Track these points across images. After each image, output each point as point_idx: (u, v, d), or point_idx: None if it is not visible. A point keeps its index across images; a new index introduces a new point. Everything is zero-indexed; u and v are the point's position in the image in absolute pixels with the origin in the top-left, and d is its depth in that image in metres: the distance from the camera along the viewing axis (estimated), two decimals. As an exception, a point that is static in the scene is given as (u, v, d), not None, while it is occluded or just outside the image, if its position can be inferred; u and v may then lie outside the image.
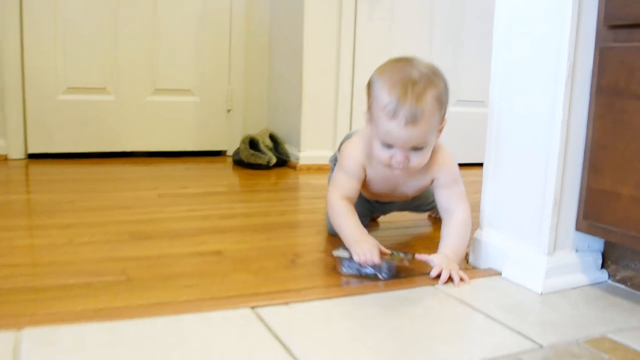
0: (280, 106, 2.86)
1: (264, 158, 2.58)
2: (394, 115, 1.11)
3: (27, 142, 2.58)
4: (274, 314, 0.98)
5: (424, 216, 1.74)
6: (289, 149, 2.70)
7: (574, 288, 1.17)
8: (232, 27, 2.86)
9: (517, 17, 1.19)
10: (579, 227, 1.17)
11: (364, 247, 1.16)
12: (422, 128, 1.12)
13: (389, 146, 1.16)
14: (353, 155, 1.29)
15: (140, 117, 2.76)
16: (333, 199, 1.28)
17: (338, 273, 1.20)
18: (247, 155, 2.60)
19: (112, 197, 1.90)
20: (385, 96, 1.13)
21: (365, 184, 1.33)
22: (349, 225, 1.24)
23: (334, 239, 1.45)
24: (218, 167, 2.62)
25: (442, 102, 1.16)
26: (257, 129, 2.89)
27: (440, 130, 1.21)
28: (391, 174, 1.24)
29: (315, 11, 2.55)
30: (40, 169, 2.35)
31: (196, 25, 2.79)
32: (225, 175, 2.44)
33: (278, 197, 2.08)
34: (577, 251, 1.19)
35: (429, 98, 1.12)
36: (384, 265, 1.16)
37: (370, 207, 1.51)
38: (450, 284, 1.16)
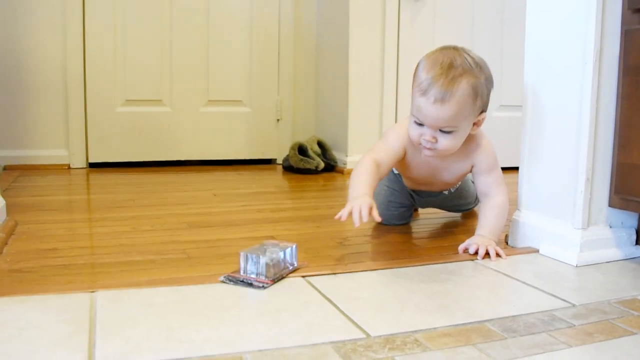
0: (327, 114, 2.96)
1: (312, 163, 2.68)
2: (425, 91, 1.16)
3: (88, 152, 2.74)
4: (323, 281, 1.07)
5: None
6: (336, 154, 2.80)
7: (608, 262, 1.22)
8: (280, 40, 2.99)
9: (547, 3, 1.26)
10: (611, 203, 1.22)
11: (355, 202, 1.14)
12: (450, 110, 1.16)
13: (419, 124, 1.21)
14: (398, 131, 1.33)
15: (194, 127, 2.90)
16: (363, 158, 1.29)
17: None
18: (297, 160, 2.71)
19: (169, 196, 2.03)
20: (423, 74, 1.18)
21: (407, 167, 1.38)
22: (359, 181, 1.22)
23: (383, 225, 1.54)
24: (268, 173, 2.74)
25: (477, 93, 1.19)
26: (305, 137, 2.99)
27: (477, 124, 1.25)
28: (424, 157, 1.28)
29: (359, 20, 2.66)
30: (101, 176, 2.51)
31: (246, 39, 2.93)
32: (275, 179, 2.55)
33: (326, 195, 2.18)
34: (611, 227, 1.25)
35: (463, 84, 1.16)
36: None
37: (411, 199, 1.56)
38: (488, 260, 1.22)
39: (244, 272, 1.06)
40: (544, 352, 0.78)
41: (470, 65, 1.19)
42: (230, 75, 2.94)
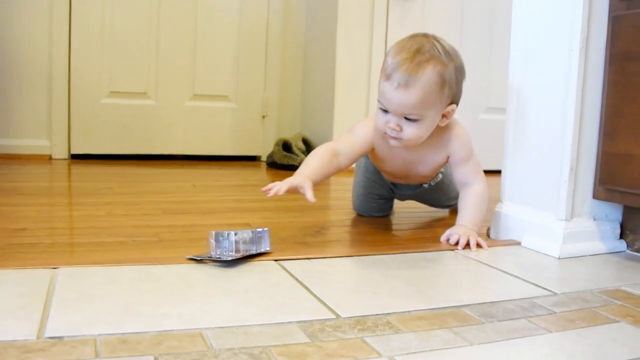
0: (313, 112, 2.93)
1: (296, 159, 2.64)
2: (389, 76, 1.13)
3: (71, 143, 2.69)
4: (296, 265, 1.03)
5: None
6: (322, 151, 2.76)
7: (591, 255, 1.19)
8: (268, 36, 2.96)
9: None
10: (596, 195, 1.19)
11: (287, 179, 1.15)
12: (413, 96, 1.12)
13: (385, 111, 1.18)
14: (366, 125, 1.30)
15: (179, 122, 2.86)
16: (322, 145, 1.28)
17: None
18: (281, 157, 2.67)
19: (149, 186, 1.98)
20: (389, 59, 1.15)
21: (381, 161, 1.36)
22: (305, 163, 1.24)
23: (363, 217, 1.51)
24: (252, 168, 2.70)
25: (445, 81, 1.15)
26: (290, 135, 2.96)
27: (446, 116, 1.21)
28: (395, 149, 1.26)
29: (347, 18, 2.63)
30: (82, 167, 2.46)
31: (234, 34, 2.89)
32: (257, 174, 2.51)
33: (308, 190, 2.14)
34: (595, 219, 1.22)
35: (429, 70, 1.13)
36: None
37: (390, 192, 1.53)
38: (469, 250, 1.19)
39: (213, 251, 1.02)
40: (522, 337, 0.75)
41: (439, 52, 1.15)
42: (217, 70, 2.90)
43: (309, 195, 1.13)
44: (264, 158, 2.97)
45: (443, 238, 1.23)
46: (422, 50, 1.14)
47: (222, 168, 2.64)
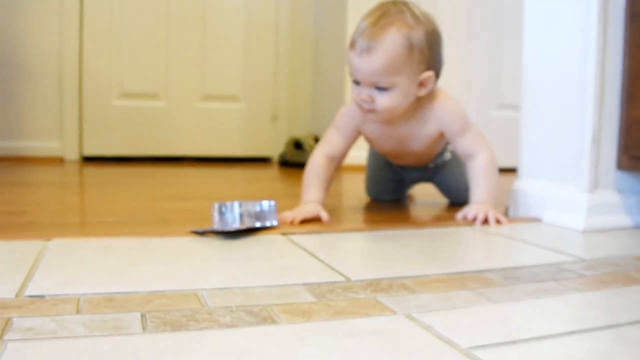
0: (324, 111, 2.88)
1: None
2: (353, 43, 1.08)
3: (82, 145, 2.66)
4: (305, 238, 0.97)
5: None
6: (333, 149, 2.70)
7: (617, 229, 1.12)
8: (278, 36, 2.92)
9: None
10: (620, 165, 1.13)
11: (301, 208, 1.13)
12: (377, 61, 1.05)
13: (356, 83, 1.10)
14: (346, 112, 1.24)
15: (189, 123, 2.83)
16: (314, 154, 1.23)
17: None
18: (292, 154, 2.62)
19: (158, 181, 1.94)
20: (356, 28, 1.09)
21: (371, 141, 1.30)
22: (308, 184, 1.19)
23: (375, 203, 1.45)
24: (263, 169, 2.65)
25: (413, 45, 1.06)
26: (302, 135, 2.91)
27: (423, 85, 1.13)
28: (379, 127, 1.20)
29: (357, 16, 2.54)
30: (94, 168, 2.42)
31: (244, 34, 2.86)
32: (269, 172, 2.46)
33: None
34: (620, 192, 1.15)
35: (393, 32, 1.05)
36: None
37: (396, 174, 1.45)
38: (488, 226, 1.12)
39: (216, 225, 0.96)
40: (552, 295, 0.68)
41: (407, 15, 1.08)
42: (227, 71, 2.87)
43: (324, 217, 1.11)
44: (275, 159, 2.92)
45: (459, 215, 1.16)
46: (388, 14, 1.07)
47: (233, 168, 2.59)
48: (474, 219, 1.13)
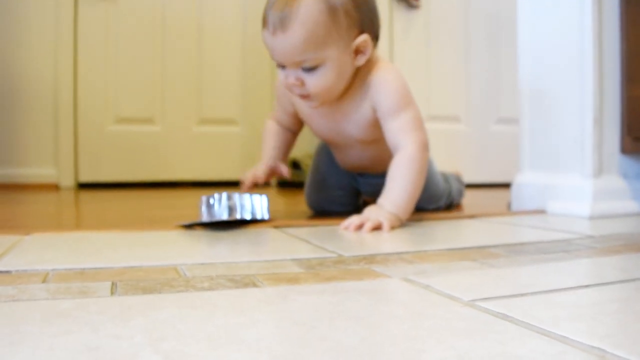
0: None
1: (305, 176, 2.55)
2: (265, 21, 0.90)
3: (78, 171, 2.62)
4: (298, 230, 0.92)
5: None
6: (332, 168, 2.66)
7: (624, 215, 1.07)
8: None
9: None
10: (624, 149, 1.08)
11: (257, 166, 1.07)
12: (295, 37, 0.87)
13: (281, 66, 0.93)
14: (280, 84, 1.04)
15: (186, 147, 2.79)
16: (266, 122, 1.15)
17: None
18: (290, 174, 2.58)
19: (152, 200, 1.89)
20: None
21: (307, 123, 1.10)
22: (264, 147, 1.12)
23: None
24: (262, 191, 2.60)
25: (335, 8, 0.88)
26: (299, 155, 2.87)
27: (360, 51, 0.93)
28: (306, 106, 1.01)
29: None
30: (89, 193, 2.38)
31: (239, 58, 2.85)
32: (268, 193, 2.41)
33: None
34: (625, 177, 1.10)
35: (308, 0, 0.87)
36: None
37: (351, 181, 1.22)
38: (490, 217, 1.07)
39: (205, 218, 0.91)
40: (561, 260, 0.63)
41: None
42: (223, 94, 2.85)
43: (284, 171, 1.06)
44: (273, 182, 2.88)
45: (342, 224, 0.92)
46: None
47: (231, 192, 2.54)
48: (358, 228, 0.90)
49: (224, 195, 0.92)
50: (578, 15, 1.05)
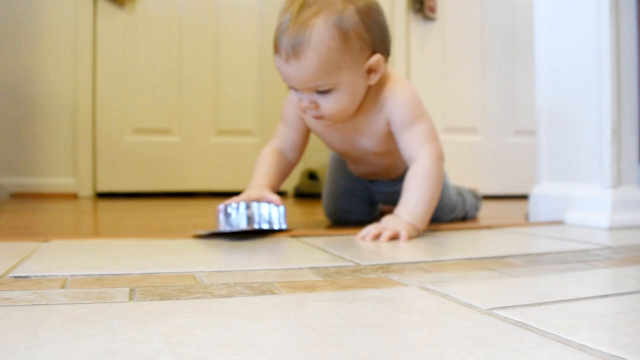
0: (339, 139, 2.84)
1: (321, 187, 2.55)
2: (277, 47, 0.88)
3: (96, 181, 2.65)
4: (315, 239, 0.92)
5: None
6: (349, 179, 2.66)
7: (645, 226, 1.06)
8: (290, 69, 2.92)
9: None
10: (646, 159, 1.07)
11: (247, 192, 0.97)
12: (309, 65, 0.86)
13: (294, 89, 0.93)
14: (290, 102, 1.05)
15: (203, 157, 2.81)
16: (263, 149, 1.08)
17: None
18: (307, 185, 2.59)
19: (169, 209, 1.90)
20: (277, 24, 0.89)
21: (321, 138, 1.10)
22: (256, 172, 1.04)
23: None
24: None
25: (347, 32, 0.87)
26: (316, 166, 2.88)
27: (373, 71, 0.93)
28: (320, 125, 1.01)
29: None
30: (108, 204, 2.40)
31: (257, 69, 2.86)
32: (285, 203, 2.41)
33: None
34: (646, 188, 1.09)
35: (319, 25, 0.85)
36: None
37: (365, 189, 1.22)
38: (507, 227, 1.06)
39: (222, 227, 0.91)
40: (579, 270, 0.62)
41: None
42: (240, 105, 2.86)
43: (274, 199, 0.95)
44: (290, 192, 2.88)
45: (359, 234, 0.92)
46: (308, 3, 0.87)
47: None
48: (375, 238, 0.90)
49: (242, 204, 0.91)
50: (595, 26, 1.04)
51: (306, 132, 1.08)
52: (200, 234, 0.90)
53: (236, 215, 0.91)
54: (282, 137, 1.07)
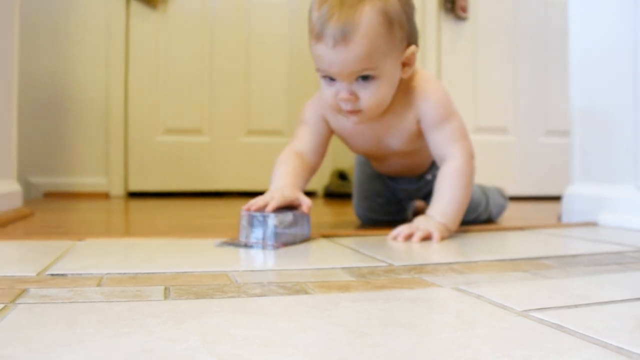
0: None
1: (351, 187, 2.54)
2: (320, 35, 0.86)
3: (128, 181, 2.68)
4: (346, 240, 0.92)
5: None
6: (378, 179, 2.65)
7: (685, 228, 1.04)
8: (319, 69, 2.92)
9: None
10: (685, 159, 1.05)
11: (270, 193, 0.90)
12: (358, 49, 0.85)
13: (330, 80, 0.90)
14: (312, 103, 1.04)
15: (233, 158, 2.83)
16: (282, 152, 1.03)
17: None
18: (337, 185, 2.59)
19: (200, 208, 1.92)
20: (315, 15, 0.87)
21: (344, 140, 1.07)
22: (277, 174, 0.97)
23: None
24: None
25: (392, 19, 0.87)
26: (346, 167, 2.87)
27: (407, 64, 0.93)
28: (351, 125, 0.98)
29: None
30: (139, 203, 2.43)
31: (286, 69, 2.87)
32: (314, 203, 2.41)
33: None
34: (685, 189, 1.07)
35: (367, 10, 0.85)
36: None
37: (388, 188, 1.20)
38: (538, 229, 1.05)
39: (245, 238, 0.83)
40: (614, 273, 0.61)
41: None
42: (270, 106, 2.87)
43: (306, 202, 0.90)
44: (320, 193, 2.89)
45: (391, 234, 0.92)
46: None
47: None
48: (407, 238, 0.89)
49: (271, 216, 0.83)
50: (631, 26, 1.03)
51: (328, 135, 1.05)
52: (223, 244, 0.84)
53: (262, 228, 0.83)
54: (303, 139, 1.03)
